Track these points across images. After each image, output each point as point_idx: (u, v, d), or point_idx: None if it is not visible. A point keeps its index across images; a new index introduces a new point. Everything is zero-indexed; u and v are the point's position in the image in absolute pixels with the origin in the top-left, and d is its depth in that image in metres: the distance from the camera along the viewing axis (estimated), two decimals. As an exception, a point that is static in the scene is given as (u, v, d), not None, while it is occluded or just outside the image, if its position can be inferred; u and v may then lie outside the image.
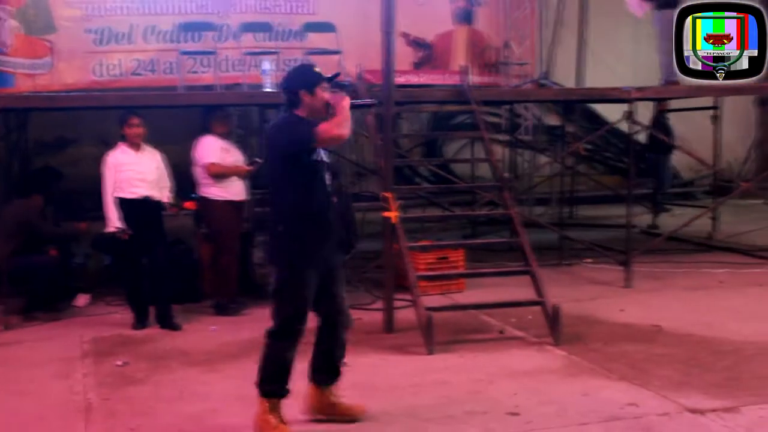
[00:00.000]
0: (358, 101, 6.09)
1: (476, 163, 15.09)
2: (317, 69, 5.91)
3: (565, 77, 15.39)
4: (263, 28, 13.06)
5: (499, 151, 14.43)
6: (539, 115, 16.75)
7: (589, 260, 11.51)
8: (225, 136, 9.38)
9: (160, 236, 8.73)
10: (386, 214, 8.23)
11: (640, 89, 11.56)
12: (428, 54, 14.46)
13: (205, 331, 8.48)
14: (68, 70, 13.08)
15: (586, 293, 9.82)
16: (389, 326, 8.17)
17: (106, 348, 7.88)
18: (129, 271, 8.77)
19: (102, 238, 10.14)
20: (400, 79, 10.61)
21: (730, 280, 10.57)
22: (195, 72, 13.04)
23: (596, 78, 14.69)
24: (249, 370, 7.08)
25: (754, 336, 7.90)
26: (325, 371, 5.93)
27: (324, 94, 5.64)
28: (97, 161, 8.81)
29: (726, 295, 9.84)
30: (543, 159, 16.10)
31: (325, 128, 5.41)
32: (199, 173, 9.14)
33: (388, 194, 8.24)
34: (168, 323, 8.56)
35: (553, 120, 17.54)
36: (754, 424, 5.75)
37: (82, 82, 12.92)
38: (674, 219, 14.02)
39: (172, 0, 13.39)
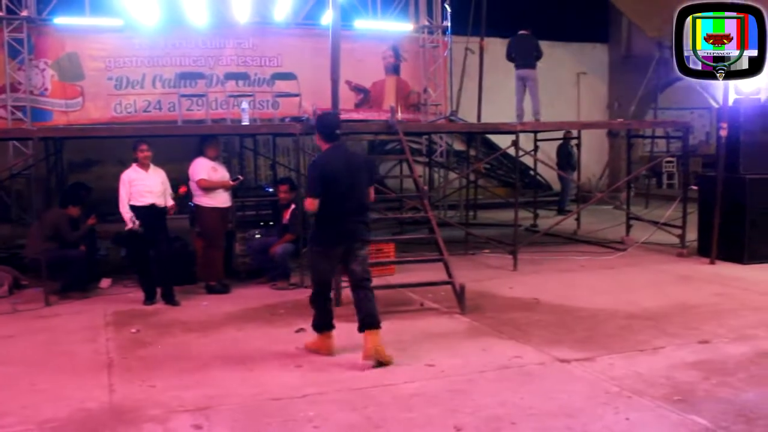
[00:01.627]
0: None
1: (403, 178, 15.13)
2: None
3: (468, 114, 15.52)
4: (242, 77, 13.06)
5: (420, 170, 14.50)
6: (450, 142, 16.87)
7: (487, 251, 11.55)
8: (214, 158, 9.34)
9: (163, 234, 8.68)
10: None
11: (522, 124, 11.71)
12: (366, 97, 14.52)
13: (198, 306, 8.41)
14: (94, 108, 12.96)
15: (484, 275, 9.86)
16: (338, 301, 8.11)
17: (123, 319, 7.81)
18: (140, 260, 8.70)
19: (119, 236, 10.08)
20: (344, 116, 10.65)
21: (589, 264, 10.68)
22: (191, 110, 13.01)
23: (491, 115, 14.82)
24: (231, 335, 7.14)
25: (606, 305, 8.04)
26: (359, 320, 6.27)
27: None
28: (116, 177, 8.71)
29: (586, 275, 9.96)
30: (453, 175, 16.23)
31: None
32: (193, 186, 9.09)
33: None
34: (170, 300, 8.49)
35: (460, 146, 17.69)
36: (604, 369, 5.87)
37: (105, 118, 12.82)
38: (548, 219, 14.19)
39: (173, 55, 13.33)
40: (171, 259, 8.79)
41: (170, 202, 8.75)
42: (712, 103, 13.71)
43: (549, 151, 14.86)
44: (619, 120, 17.50)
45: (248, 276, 9.75)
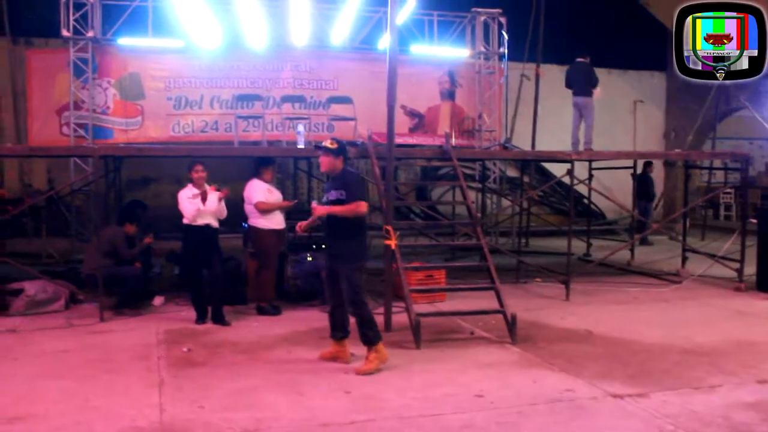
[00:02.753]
0: None
1: (456, 204, 15.08)
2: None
3: (522, 141, 15.44)
4: (298, 99, 13.19)
5: (473, 196, 14.44)
6: (503, 169, 16.79)
7: (539, 279, 11.45)
8: (269, 181, 9.41)
9: (216, 254, 8.72)
10: (387, 242, 8.23)
11: (577, 153, 11.60)
12: (421, 122, 14.58)
13: (249, 327, 8.44)
14: (153, 128, 13.23)
15: (535, 305, 9.75)
16: (388, 326, 8.13)
17: (175, 338, 7.87)
18: (193, 279, 8.76)
19: (173, 254, 10.22)
20: (398, 140, 10.66)
21: (642, 296, 10.49)
22: (247, 131, 13.19)
23: (546, 142, 14.73)
24: (281, 357, 7.15)
25: (660, 339, 7.89)
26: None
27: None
28: (173, 196, 8.83)
29: (639, 308, 9.78)
30: (506, 202, 16.12)
31: None
32: (248, 208, 9.15)
33: (388, 227, 8.25)
34: (220, 320, 8.52)
35: (513, 173, 17.58)
36: (658, 406, 5.74)
37: (163, 137, 13.07)
38: (602, 249, 13.98)
39: (231, 77, 13.55)
40: (223, 279, 8.82)
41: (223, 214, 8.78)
42: (772, 134, 13.45)
43: (603, 179, 14.67)
44: (676, 150, 17.28)
45: (299, 299, 9.78)
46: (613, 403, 5.84)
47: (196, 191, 8.45)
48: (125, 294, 9.09)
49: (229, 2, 13.29)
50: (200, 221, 8.49)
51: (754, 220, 11.56)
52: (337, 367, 6.78)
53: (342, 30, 14.16)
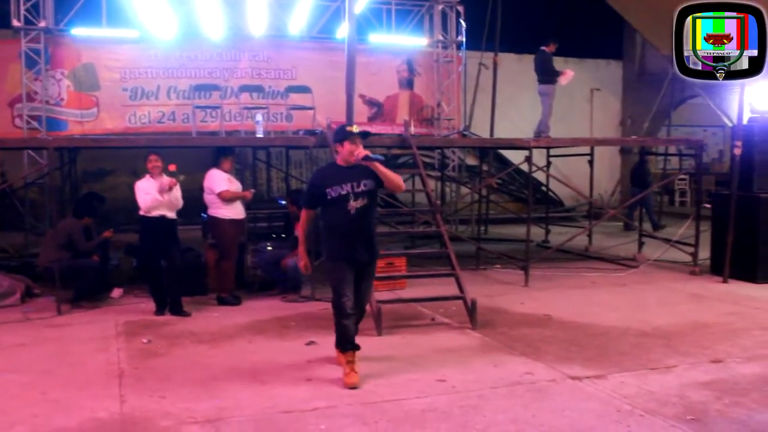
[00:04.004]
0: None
1: (415, 192, 15.14)
2: (348, 128, 6.16)
3: (481, 130, 15.54)
4: (257, 89, 13.09)
5: (432, 184, 14.50)
6: (462, 157, 16.87)
7: (498, 266, 11.54)
8: (228, 170, 9.36)
9: (175, 245, 8.65)
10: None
11: (535, 140, 11.70)
12: (379, 110, 14.57)
13: (209, 318, 8.39)
14: (109, 119, 13.05)
15: (495, 291, 9.83)
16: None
17: (134, 329, 7.80)
18: (151, 271, 8.69)
19: (131, 246, 10.13)
20: (358, 129, 10.63)
21: (600, 281, 10.64)
22: (205, 121, 13.07)
23: (504, 130, 14.83)
24: (242, 347, 7.13)
25: (617, 322, 8.02)
26: None
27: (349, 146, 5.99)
28: (130, 187, 8.74)
29: (597, 292, 9.91)
30: (465, 190, 16.22)
31: None
32: (208, 198, 9.09)
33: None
34: (178, 311, 8.48)
35: (472, 161, 17.69)
36: (616, 387, 5.83)
37: (119, 128, 12.92)
38: (560, 236, 14.13)
39: (188, 67, 13.41)
40: (182, 270, 8.78)
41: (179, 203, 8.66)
42: (726, 122, 13.66)
43: (561, 167, 14.82)
44: (632, 137, 17.54)
45: (259, 288, 9.76)
46: (572, 385, 5.92)
47: (153, 182, 8.38)
48: (83, 287, 8.98)
49: (185, -9, 13.16)
50: (155, 212, 8.40)
51: (708, 206, 11.79)
52: (299, 354, 6.78)
53: (300, 19, 14.10)
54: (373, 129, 14.06)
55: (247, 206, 9.55)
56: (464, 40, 15.32)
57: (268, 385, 5.93)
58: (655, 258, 11.88)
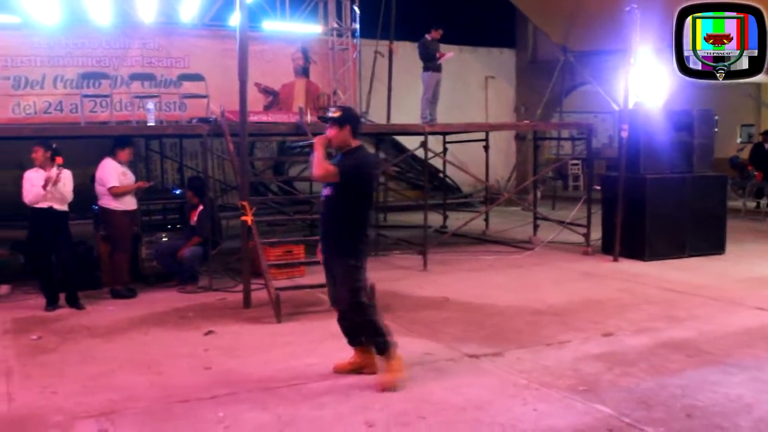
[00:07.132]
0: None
1: (312, 180, 15.11)
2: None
3: (379, 117, 15.62)
4: (148, 77, 12.78)
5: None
6: (360, 145, 16.89)
7: (397, 252, 11.67)
8: (124, 162, 9.16)
9: (65, 237, 8.40)
10: (243, 218, 8.21)
11: (430, 125, 11.86)
12: (275, 99, 14.44)
13: (103, 311, 8.21)
14: (-10, 109, 12.50)
15: (394, 275, 9.96)
16: (248, 303, 8.12)
17: (23, 326, 7.55)
18: (40, 264, 8.44)
19: (18, 242, 9.77)
20: (253, 118, 10.56)
21: (497, 264, 10.91)
22: (94, 111, 12.71)
23: (401, 118, 14.95)
24: (138, 339, 7.00)
25: (514, 302, 8.25)
26: None
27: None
28: (15, 181, 8.44)
29: (494, 274, 10.15)
30: (363, 178, 16.25)
31: None
32: (100, 189, 8.88)
33: (244, 203, 8.22)
34: (74, 304, 8.29)
35: (369, 148, 17.74)
36: (513, 363, 6.01)
37: (2, 119, 12.37)
38: (458, 221, 14.39)
39: (75, 55, 12.98)
40: (74, 264, 8.55)
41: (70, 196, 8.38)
42: (614, 107, 14.14)
43: (458, 154, 15.06)
44: (525, 122, 17.94)
45: (156, 280, 9.59)
46: (470, 363, 6.07)
47: (43, 172, 8.11)
48: (-34, 284, 8.65)
49: (69, -25, 12.71)
50: (42, 204, 8.14)
51: (599, 188, 12.22)
52: (197, 344, 6.70)
53: (191, 7, 13.83)
54: (269, 117, 13.98)
55: (140, 197, 9.38)
56: (359, 27, 15.35)
57: (166, 376, 5.85)
58: (550, 240, 12.25)
